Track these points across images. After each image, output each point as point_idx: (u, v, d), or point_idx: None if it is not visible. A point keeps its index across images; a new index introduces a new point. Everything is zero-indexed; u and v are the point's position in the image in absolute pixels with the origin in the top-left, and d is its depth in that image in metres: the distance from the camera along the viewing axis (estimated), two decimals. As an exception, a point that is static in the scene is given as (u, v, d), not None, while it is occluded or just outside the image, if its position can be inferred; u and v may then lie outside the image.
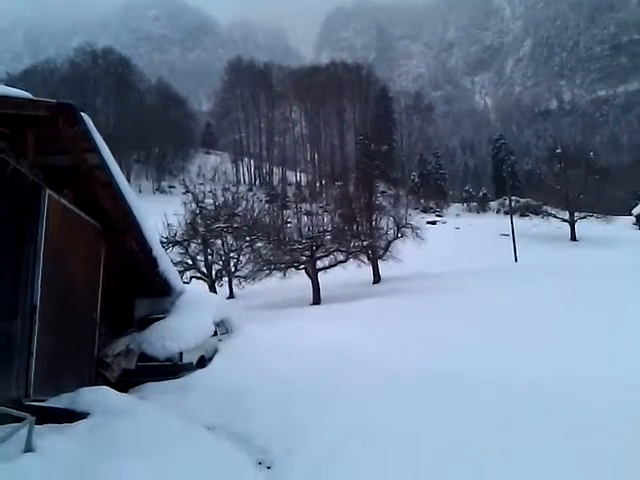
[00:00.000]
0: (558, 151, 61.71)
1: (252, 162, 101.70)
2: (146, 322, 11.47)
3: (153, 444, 6.85)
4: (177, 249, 31.77)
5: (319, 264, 31.34)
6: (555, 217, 54.63)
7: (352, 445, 7.22)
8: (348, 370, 10.89)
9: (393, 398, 9.15)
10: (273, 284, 31.81)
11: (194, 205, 34.58)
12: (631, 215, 73.24)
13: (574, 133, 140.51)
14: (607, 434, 6.62)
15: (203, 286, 30.41)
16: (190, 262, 32.10)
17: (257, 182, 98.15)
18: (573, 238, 52.14)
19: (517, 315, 16.46)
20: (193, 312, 11.85)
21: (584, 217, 53.22)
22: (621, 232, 55.46)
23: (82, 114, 7.51)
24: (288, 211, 42.79)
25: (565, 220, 53.55)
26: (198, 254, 32.75)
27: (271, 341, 13.24)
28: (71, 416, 6.94)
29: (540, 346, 11.96)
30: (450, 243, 47.98)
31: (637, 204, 75.41)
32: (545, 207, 57.74)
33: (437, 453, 6.68)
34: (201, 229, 32.89)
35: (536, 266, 31.11)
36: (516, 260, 39.24)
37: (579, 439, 6.61)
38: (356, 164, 70.85)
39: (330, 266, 31.91)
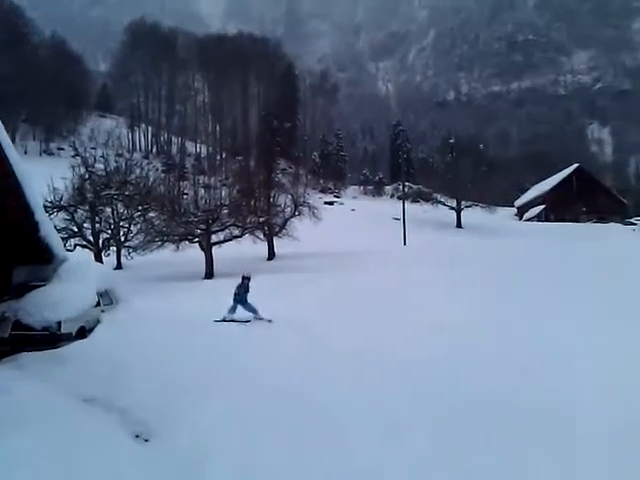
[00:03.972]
0: (451, 141, 64.63)
1: (149, 129, 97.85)
2: (24, 289, 10.99)
3: (26, 416, 6.67)
4: (62, 215, 30.34)
5: (214, 238, 31.10)
6: (444, 205, 57.43)
7: (231, 420, 7.38)
8: (231, 345, 11.05)
9: (272, 373, 9.48)
10: (165, 256, 31.16)
11: (83, 169, 33.03)
12: (513, 207, 78.57)
13: (468, 125, 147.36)
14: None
15: (88, 255, 29.24)
16: (76, 229, 30.76)
17: (154, 150, 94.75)
18: (459, 225, 55.13)
19: (398, 296, 17.51)
20: (75, 281, 11.46)
21: (470, 206, 56.30)
22: (503, 222, 59.49)
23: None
24: (185, 182, 41.78)
25: (452, 208, 56.37)
26: (85, 221, 31.43)
27: (156, 314, 13.09)
28: None
29: (414, 327, 12.81)
30: (345, 224, 49.16)
31: (519, 196, 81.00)
32: (435, 195, 60.44)
33: (318, 431, 6.98)
34: (89, 195, 31.57)
35: (422, 250, 32.78)
36: (405, 244, 40.92)
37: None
38: (258, 140, 70.61)
39: (225, 240, 31.76)
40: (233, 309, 14.48)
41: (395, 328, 12.39)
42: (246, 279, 14.98)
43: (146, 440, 6.99)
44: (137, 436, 7.07)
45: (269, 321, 13.84)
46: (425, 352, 10.25)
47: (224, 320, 13.95)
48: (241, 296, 14.62)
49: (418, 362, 9.55)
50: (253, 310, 14.37)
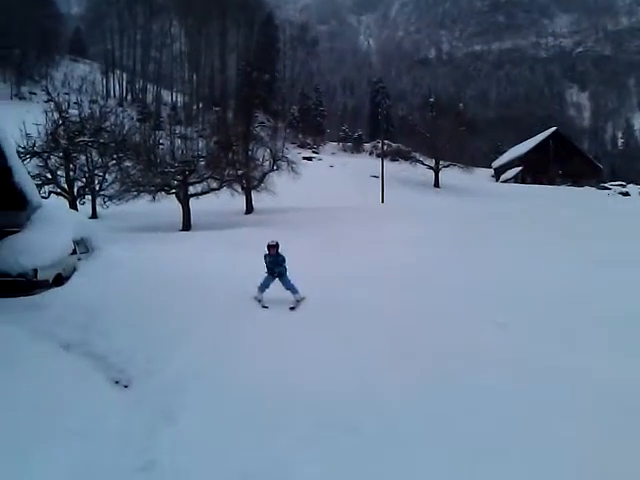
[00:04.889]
0: (431, 100, 64.04)
1: (124, 76, 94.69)
2: (-1, 235, 10.73)
3: (2, 361, 6.57)
4: (35, 161, 29.60)
5: (191, 190, 30.66)
6: (422, 164, 57.25)
7: (207, 363, 7.43)
8: (205, 292, 11.02)
9: (245, 319, 9.54)
10: (142, 207, 30.70)
11: (57, 115, 32.05)
12: (490, 168, 78.91)
13: (448, 84, 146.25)
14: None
15: (63, 202, 28.72)
16: (49, 176, 30.11)
17: (129, 98, 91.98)
18: (436, 185, 55.20)
19: (374, 251, 17.78)
20: (51, 228, 11.23)
21: (448, 166, 56.23)
22: (479, 183, 59.79)
23: None
24: (161, 132, 40.76)
25: (431, 167, 56.30)
26: (59, 168, 30.78)
27: (133, 263, 12.94)
28: None
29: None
30: (324, 180, 48.98)
31: (497, 158, 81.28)
32: (414, 153, 60.20)
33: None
34: (63, 141, 30.81)
35: (399, 209, 32.88)
36: (383, 201, 40.96)
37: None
38: (236, 91, 68.97)
39: (203, 193, 31.34)
40: (264, 286, 11.28)
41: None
42: (272, 247, 11.44)
43: (125, 386, 7.00)
44: (117, 382, 7.08)
45: (292, 308, 10.88)
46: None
47: (255, 299, 11.11)
48: (276, 269, 11.37)
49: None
50: (292, 288, 11.23)
